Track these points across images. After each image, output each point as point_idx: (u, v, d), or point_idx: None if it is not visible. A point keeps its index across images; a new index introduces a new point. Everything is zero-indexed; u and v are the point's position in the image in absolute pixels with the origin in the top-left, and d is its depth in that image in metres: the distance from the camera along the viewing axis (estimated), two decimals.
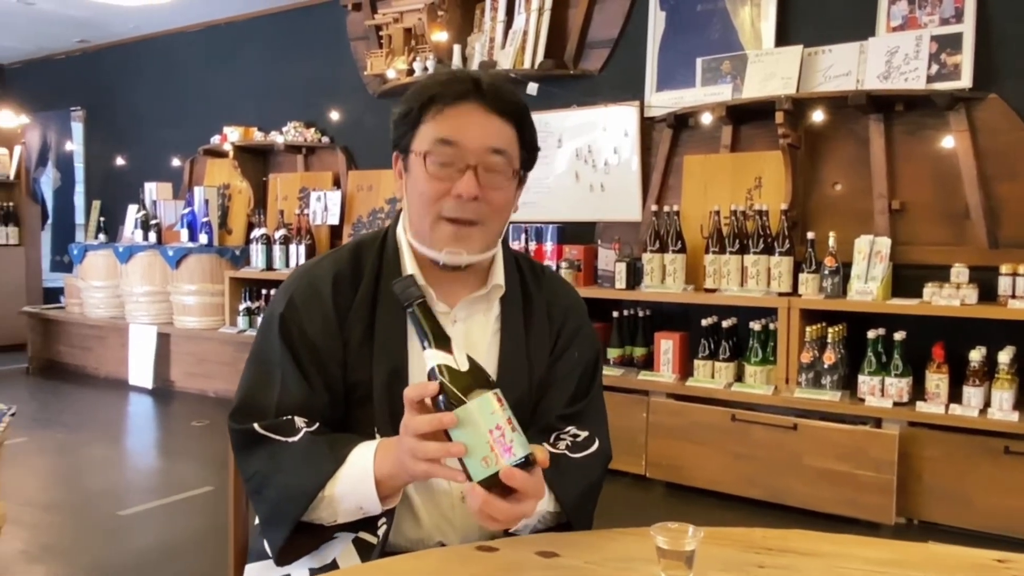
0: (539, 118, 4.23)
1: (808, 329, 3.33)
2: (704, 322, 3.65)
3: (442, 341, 0.98)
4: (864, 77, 3.48)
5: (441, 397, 0.96)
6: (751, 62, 3.78)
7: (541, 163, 4.26)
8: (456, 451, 0.95)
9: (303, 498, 1.08)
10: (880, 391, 3.18)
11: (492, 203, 1.17)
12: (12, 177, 7.29)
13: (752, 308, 3.57)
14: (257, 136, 5.66)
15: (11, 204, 7.26)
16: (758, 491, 3.35)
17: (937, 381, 3.08)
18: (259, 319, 4.58)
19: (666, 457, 3.57)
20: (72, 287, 6.27)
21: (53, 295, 7.08)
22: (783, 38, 3.76)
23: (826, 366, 3.30)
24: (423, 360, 1.19)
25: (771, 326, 3.52)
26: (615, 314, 3.94)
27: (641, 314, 3.95)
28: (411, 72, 4.67)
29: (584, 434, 1.23)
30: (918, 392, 3.15)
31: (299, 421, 1.14)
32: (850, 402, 3.23)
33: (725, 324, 3.63)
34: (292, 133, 5.50)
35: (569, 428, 1.24)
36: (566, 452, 1.19)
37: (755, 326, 3.53)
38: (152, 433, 4.83)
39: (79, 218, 7.37)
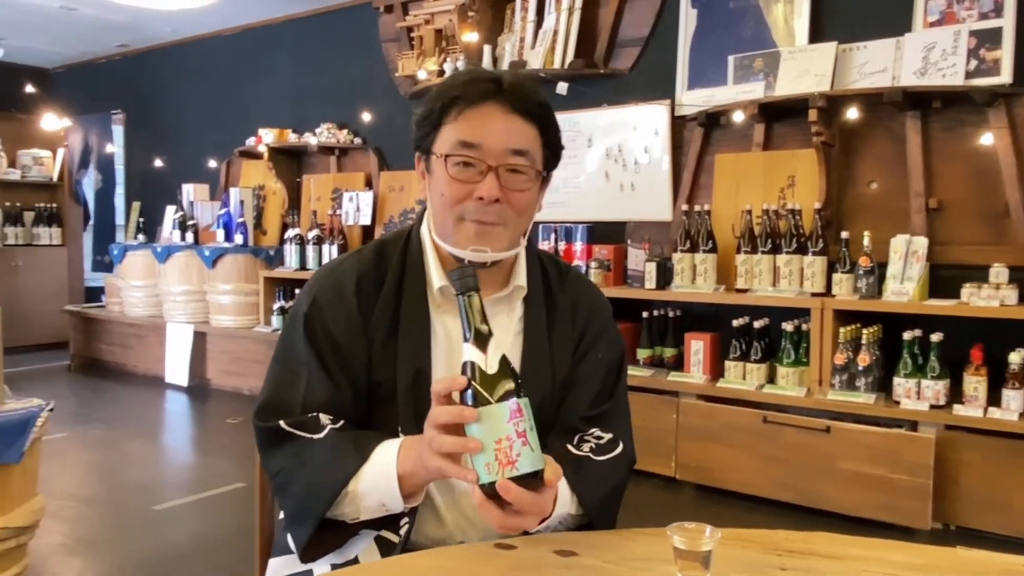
0: (569, 117, 4.29)
1: (842, 330, 3.27)
2: (735, 323, 3.61)
3: (480, 338, 0.97)
4: (900, 74, 3.42)
5: (468, 393, 0.96)
6: (784, 59, 3.74)
7: (571, 163, 4.30)
8: (472, 447, 0.94)
9: (328, 494, 1.09)
10: (916, 394, 3.12)
11: (515, 205, 1.16)
12: (55, 179, 7.48)
13: (784, 308, 3.52)
14: (291, 138, 5.74)
15: (54, 205, 7.45)
16: (790, 494, 3.30)
17: (975, 384, 3.01)
18: None
19: (696, 459, 3.54)
20: (112, 286, 6.41)
21: (94, 294, 7.24)
22: (817, 35, 3.71)
23: (860, 368, 3.24)
24: (447, 360, 1.20)
25: (804, 327, 3.47)
26: (645, 314, 3.91)
27: (671, 314, 3.92)
28: (442, 73, 4.69)
29: (608, 436, 1.23)
30: (955, 395, 3.08)
31: (324, 418, 1.15)
32: (885, 405, 3.17)
33: (757, 325, 3.58)
34: (325, 134, 5.56)
35: (593, 430, 1.23)
36: (590, 455, 1.19)
37: (787, 327, 3.48)
38: (188, 430, 4.91)
39: (119, 219, 7.53)
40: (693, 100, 4.06)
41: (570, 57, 4.31)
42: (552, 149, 1.22)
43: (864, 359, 3.23)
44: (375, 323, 1.20)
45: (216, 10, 5.65)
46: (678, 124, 4.12)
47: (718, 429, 3.48)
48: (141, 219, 6.73)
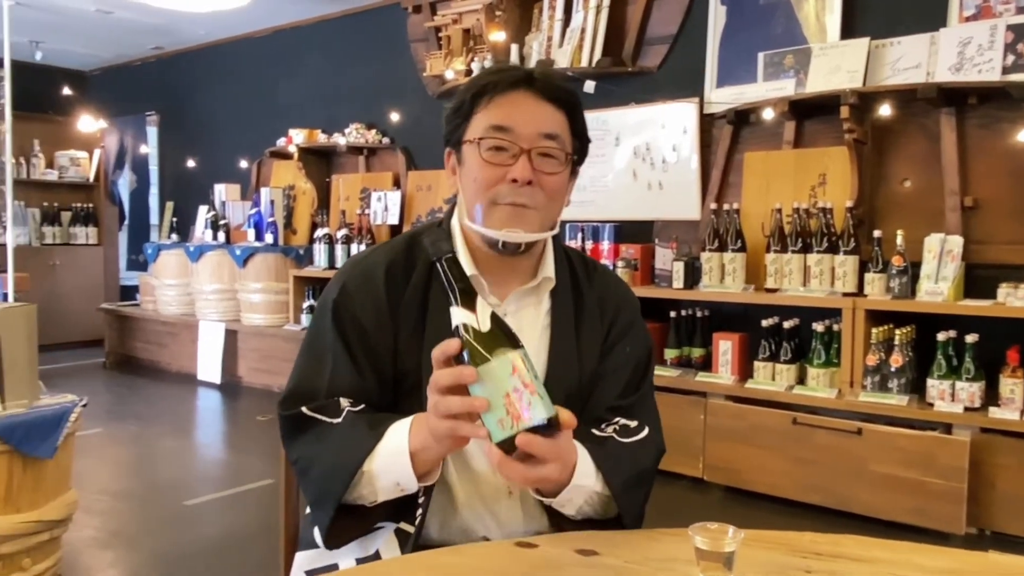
0: (597, 116, 4.28)
1: (874, 331, 3.22)
2: (764, 323, 3.57)
3: (466, 298, 0.97)
4: (935, 69, 3.35)
5: (465, 356, 0.95)
6: (815, 55, 3.68)
7: (598, 162, 4.29)
8: (478, 405, 0.94)
9: (345, 475, 1.09)
10: (950, 396, 3.06)
11: (546, 188, 1.18)
12: (92, 180, 7.63)
13: (815, 309, 3.47)
14: (321, 138, 5.79)
15: (91, 205, 7.60)
16: (820, 497, 3.25)
17: (1012, 386, 2.95)
18: None
19: (724, 460, 3.51)
20: (146, 285, 6.51)
21: (129, 292, 7.37)
22: (849, 30, 3.65)
23: (893, 369, 3.18)
24: None
25: (835, 327, 3.42)
26: (672, 314, 3.88)
27: (699, 314, 3.89)
28: (469, 72, 4.70)
29: (634, 423, 1.22)
30: (991, 397, 3.02)
31: (344, 402, 1.16)
32: (918, 407, 3.11)
33: (787, 325, 3.54)
34: (354, 135, 5.60)
35: (618, 419, 1.23)
36: (613, 435, 1.19)
37: (818, 327, 3.43)
38: (219, 426, 4.98)
39: (153, 218, 7.66)
40: (722, 98, 4.02)
41: (598, 55, 4.29)
42: (580, 139, 1.24)
43: (897, 360, 3.18)
44: (403, 312, 1.21)
45: (248, 12, 5.72)
46: (707, 122, 4.08)
47: (747, 430, 3.45)
48: (174, 219, 6.83)
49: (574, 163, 1.24)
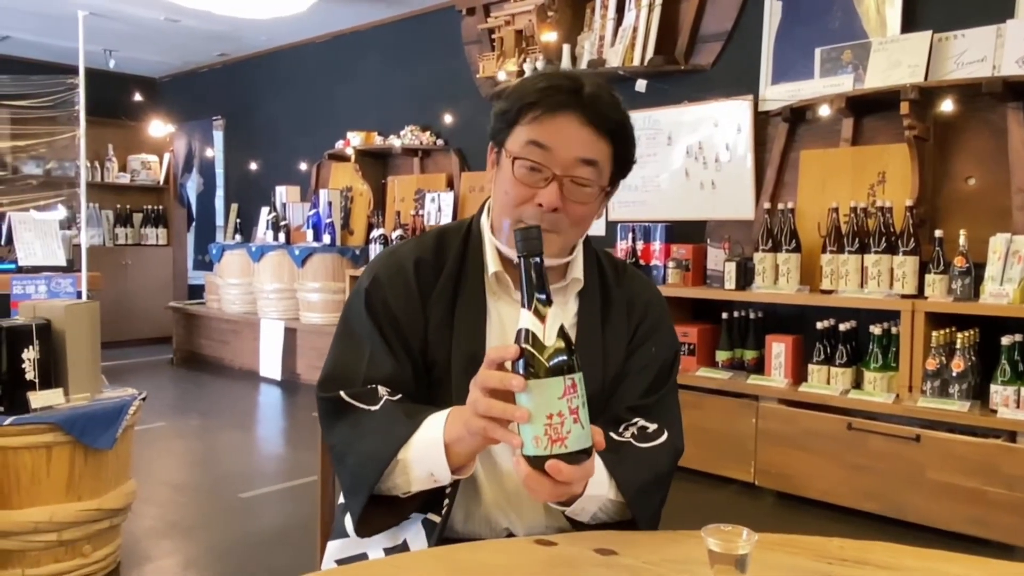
0: (648, 115, 4.25)
1: (934, 334, 3.11)
2: (819, 325, 3.48)
3: (539, 306, 0.93)
4: (1001, 63, 3.22)
5: (520, 363, 0.92)
6: (875, 50, 3.58)
7: (650, 161, 4.26)
8: (519, 416, 0.93)
9: (379, 463, 1.10)
10: (1015, 402, 2.93)
11: (572, 215, 1.17)
12: (162, 182, 7.93)
13: (872, 311, 3.38)
14: (377, 140, 5.88)
15: (161, 207, 7.90)
16: (875, 505, 3.16)
17: None
18: None
19: (776, 465, 3.43)
20: (212, 284, 6.73)
21: (196, 291, 7.62)
22: (910, 23, 3.53)
23: (954, 374, 3.07)
24: (505, 337, 1.21)
25: (893, 330, 3.32)
26: (724, 315, 3.82)
27: (752, 316, 3.82)
28: (521, 73, 4.71)
29: (653, 426, 1.21)
30: None
31: (382, 390, 1.17)
32: (980, 413, 2.99)
33: (842, 327, 3.45)
34: (409, 137, 5.67)
35: (637, 420, 1.22)
36: (631, 440, 1.18)
37: (875, 330, 3.33)
38: (277, 422, 5.11)
39: (219, 220, 7.90)
40: (777, 95, 3.94)
41: (650, 54, 4.25)
42: (622, 166, 1.22)
43: (958, 364, 3.06)
44: (433, 304, 1.22)
45: (307, 18, 5.85)
46: (761, 120, 4.01)
47: (800, 435, 3.37)
48: (238, 220, 7.04)
49: (611, 187, 1.22)
